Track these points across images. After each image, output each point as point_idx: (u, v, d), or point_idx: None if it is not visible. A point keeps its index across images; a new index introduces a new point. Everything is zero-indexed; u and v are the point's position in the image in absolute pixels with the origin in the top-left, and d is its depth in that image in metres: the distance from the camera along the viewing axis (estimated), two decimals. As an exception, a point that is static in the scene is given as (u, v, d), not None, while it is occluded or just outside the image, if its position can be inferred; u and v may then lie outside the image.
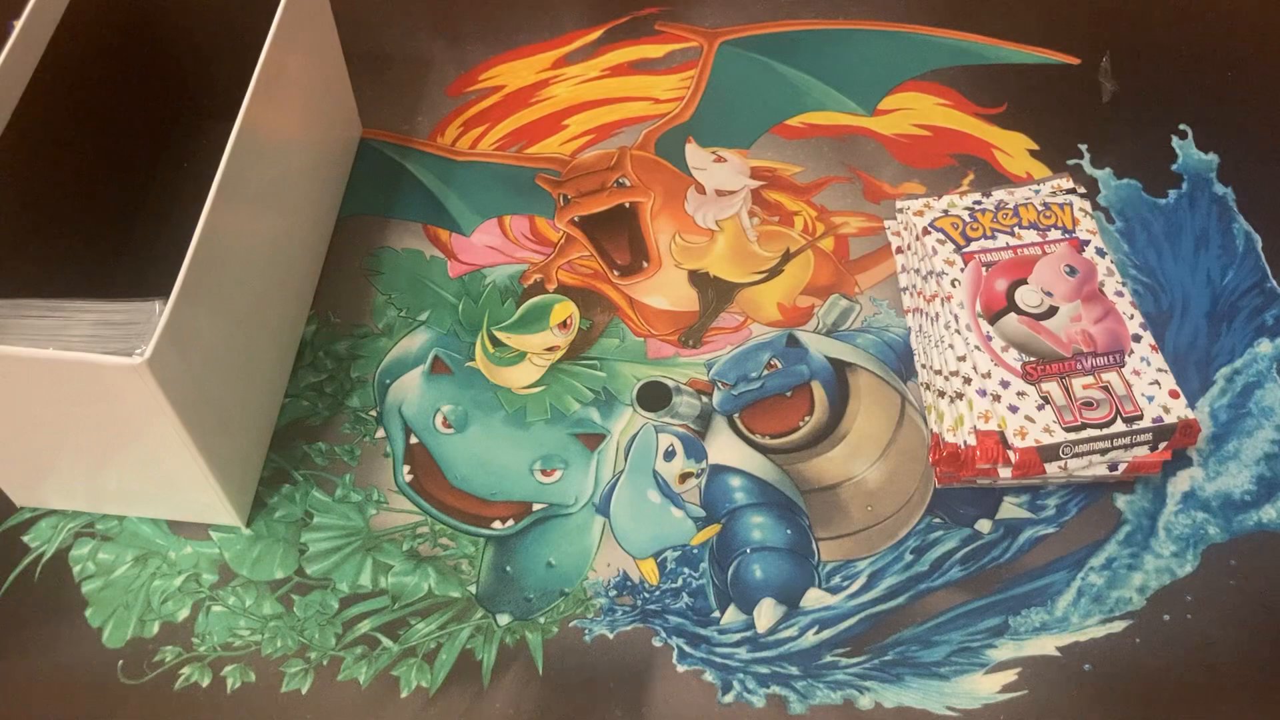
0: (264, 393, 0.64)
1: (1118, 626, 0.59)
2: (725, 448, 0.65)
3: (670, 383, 0.67)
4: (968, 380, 0.61)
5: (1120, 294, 0.64)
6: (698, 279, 0.72)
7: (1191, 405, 0.63)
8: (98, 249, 0.68)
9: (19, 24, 0.58)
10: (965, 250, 0.66)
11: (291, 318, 0.68)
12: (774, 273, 0.72)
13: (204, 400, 0.54)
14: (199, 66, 0.71)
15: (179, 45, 0.70)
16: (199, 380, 0.53)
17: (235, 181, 0.55)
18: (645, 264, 0.72)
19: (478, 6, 0.86)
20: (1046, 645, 0.58)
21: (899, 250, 0.72)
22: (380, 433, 0.66)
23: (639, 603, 0.60)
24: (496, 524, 0.62)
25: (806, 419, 0.66)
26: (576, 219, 0.74)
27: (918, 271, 0.68)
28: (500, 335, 0.69)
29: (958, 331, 0.63)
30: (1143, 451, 0.60)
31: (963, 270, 0.65)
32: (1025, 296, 0.64)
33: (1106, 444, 0.59)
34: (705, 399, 0.66)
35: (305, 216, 0.69)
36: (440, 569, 0.61)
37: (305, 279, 0.70)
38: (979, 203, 0.69)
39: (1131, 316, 0.63)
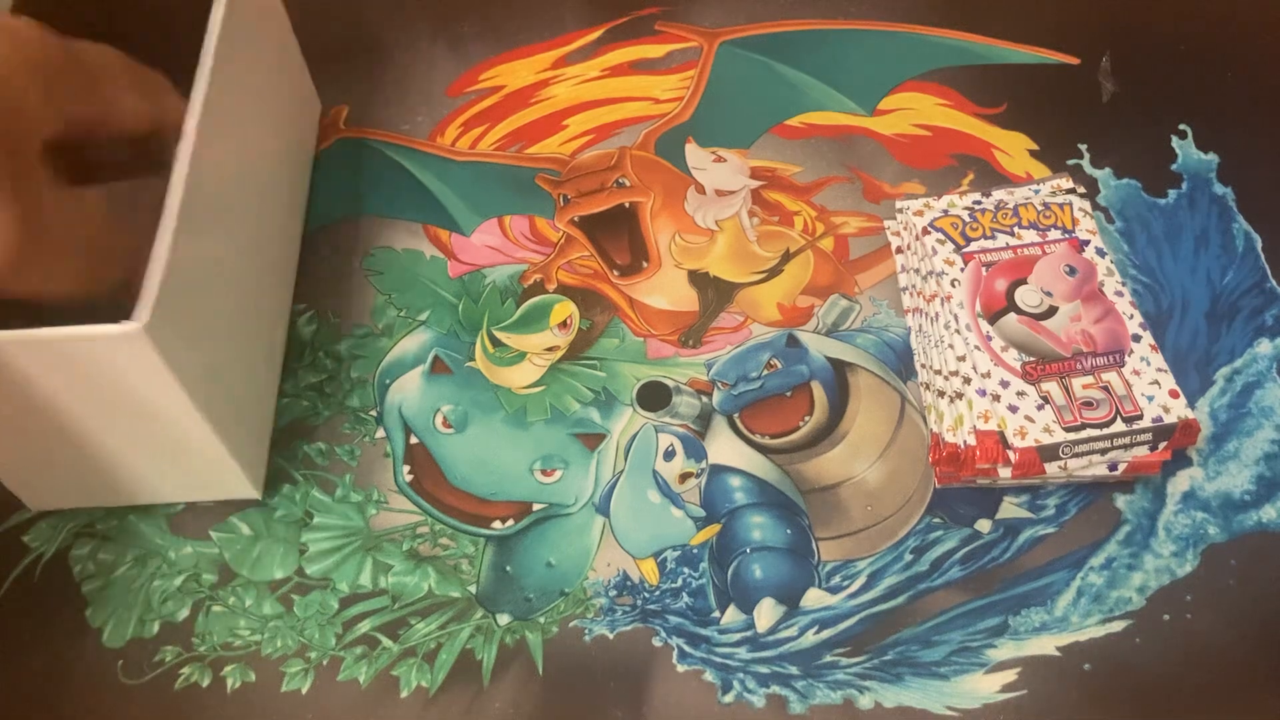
0: (261, 355, 0.64)
1: (1117, 626, 0.59)
2: (725, 448, 0.65)
3: (670, 383, 0.67)
4: (967, 380, 0.61)
5: (1120, 294, 0.64)
6: (698, 279, 0.72)
7: (1191, 405, 0.63)
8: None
9: None
10: (965, 250, 0.66)
11: (277, 280, 0.68)
12: (774, 273, 0.72)
13: (203, 364, 0.53)
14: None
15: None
16: (195, 343, 0.52)
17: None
18: (645, 264, 0.72)
19: (478, 6, 0.86)
20: (1046, 645, 0.58)
21: (899, 250, 0.72)
22: (380, 433, 0.66)
23: (639, 602, 0.60)
24: (496, 524, 0.62)
25: (806, 419, 0.66)
26: (576, 219, 0.74)
27: (917, 271, 0.68)
28: (500, 335, 0.69)
29: (957, 331, 0.63)
30: (1142, 451, 0.60)
31: (962, 270, 0.65)
32: (1025, 296, 0.64)
33: (1106, 444, 0.59)
34: (705, 399, 0.66)
35: (273, 188, 0.69)
36: (440, 569, 0.61)
37: (284, 251, 0.70)
38: (979, 203, 0.70)
39: (1131, 316, 0.63)
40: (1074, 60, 0.82)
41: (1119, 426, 0.59)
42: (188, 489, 0.62)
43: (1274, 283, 0.71)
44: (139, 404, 0.52)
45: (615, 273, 0.72)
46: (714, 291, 0.71)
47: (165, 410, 0.53)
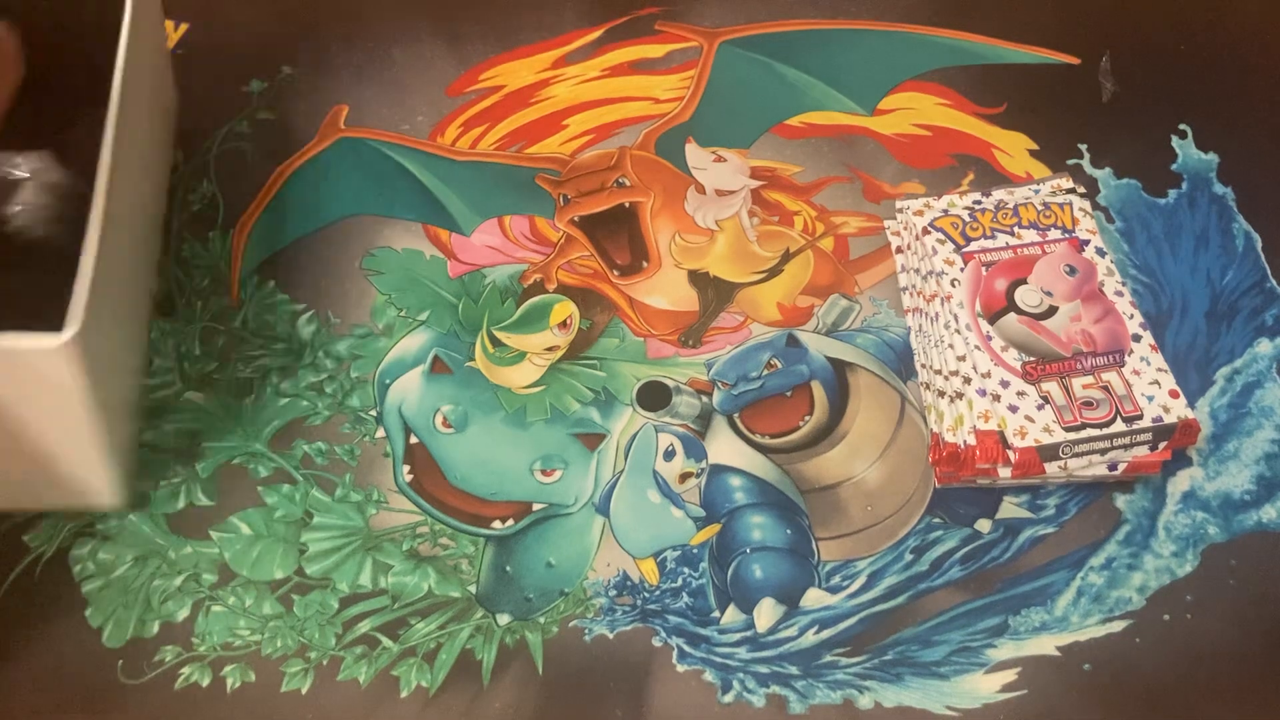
0: (129, 351, 0.64)
1: (1117, 626, 0.59)
2: (725, 447, 0.65)
3: (670, 382, 0.67)
4: (967, 380, 0.61)
5: (1120, 294, 0.64)
6: (698, 279, 0.72)
7: (1191, 405, 0.63)
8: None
9: None
10: (965, 250, 0.66)
11: (140, 294, 0.68)
12: (774, 272, 0.72)
13: (101, 373, 0.53)
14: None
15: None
16: (97, 356, 0.52)
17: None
18: (645, 264, 0.72)
19: (478, 6, 0.86)
20: (1046, 645, 0.58)
21: (899, 250, 0.72)
22: (380, 433, 0.66)
23: (639, 602, 0.60)
24: (496, 524, 0.63)
25: (806, 419, 0.66)
26: (576, 219, 0.74)
27: (917, 271, 0.69)
28: (500, 335, 0.69)
29: (957, 331, 0.63)
30: (1142, 451, 0.60)
31: (962, 270, 0.65)
32: (1025, 296, 0.64)
33: (1106, 444, 0.59)
34: (705, 399, 0.66)
35: (139, 171, 0.68)
36: (440, 569, 0.61)
37: (147, 266, 0.70)
38: (979, 202, 0.70)
39: (1131, 316, 0.63)
40: (1074, 60, 0.82)
41: (1119, 426, 0.59)
42: (49, 499, 0.61)
43: (1274, 282, 0.71)
44: (36, 413, 0.52)
45: (615, 273, 0.72)
46: (714, 291, 0.71)
47: (63, 420, 0.52)
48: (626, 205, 0.75)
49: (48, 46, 0.64)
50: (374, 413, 0.66)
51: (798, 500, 0.63)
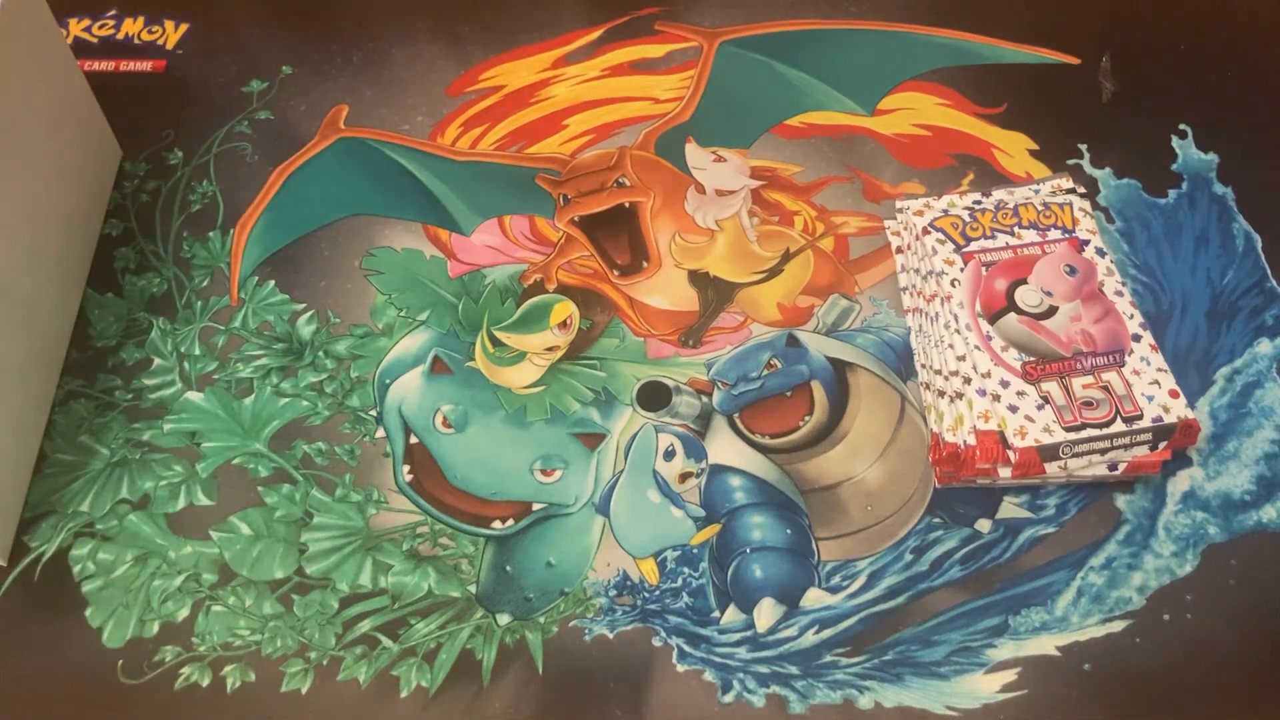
0: (19, 432, 0.63)
1: (1117, 626, 0.59)
2: (725, 447, 0.65)
3: (670, 382, 0.67)
4: (967, 380, 0.61)
5: (1120, 294, 0.64)
6: (698, 279, 0.72)
7: (1191, 405, 0.63)
8: None
9: None
10: (965, 250, 0.66)
11: (47, 347, 0.67)
12: (774, 272, 0.72)
13: None
14: None
15: None
16: None
17: None
18: (645, 264, 0.72)
19: (478, 6, 0.86)
20: (1046, 645, 0.58)
21: (899, 250, 0.72)
22: (380, 432, 0.66)
23: (639, 602, 0.60)
24: (496, 524, 0.63)
25: (806, 419, 0.66)
26: (576, 219, 0.74)
27: (917, 271, 0.69)
28: (500, 335, 0.69)
29: (957, 331, 0.63)
30: (1142, 451, 0.60)
31: (962, 270, 0.65)
32: (1025, 296, 0.64)
33: (1106, 444, 0.59)
34: (705, 399, 0.66)
35: (46, 251, 0.67)
36: (440, 569, 0.61)
37: (56, 310, 0.68)
38: (979, 202, 0.70)
39: (1131, 316, 0.63)
40: (1074, 60, 0.82)
41: (1119, 426, 0.59)
42: None
43: (1274, 282, 0.71)
44: None
45: (615, 273, 0.72)
46: (714, 291, 0.71)
47: None
48: (626, 205, 0.75)
49: None
50: (374, 413, 0.66)
51: (798, 500, 0.63)
